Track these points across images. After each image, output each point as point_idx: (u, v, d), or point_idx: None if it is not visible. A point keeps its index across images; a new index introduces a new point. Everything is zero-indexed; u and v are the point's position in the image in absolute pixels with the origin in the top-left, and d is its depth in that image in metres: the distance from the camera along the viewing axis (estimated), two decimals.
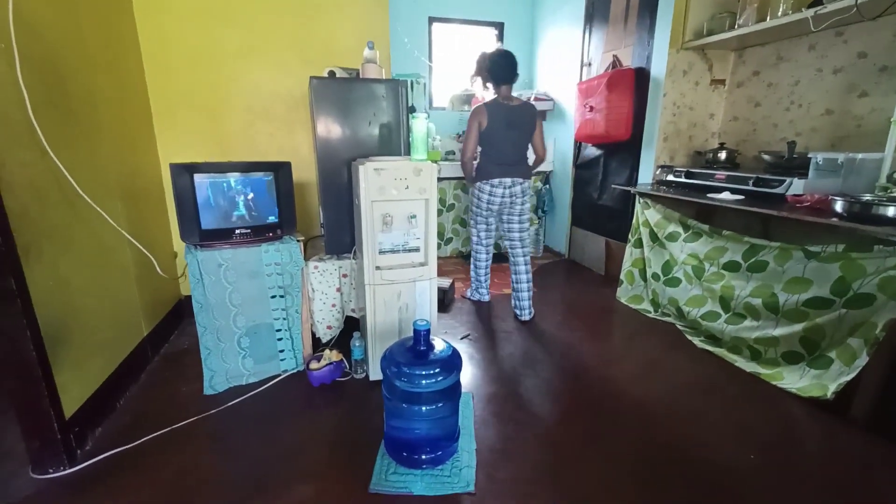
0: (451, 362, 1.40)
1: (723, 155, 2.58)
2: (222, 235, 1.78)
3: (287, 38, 2.46)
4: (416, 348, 1.42)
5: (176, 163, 1.65)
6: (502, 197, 2.50)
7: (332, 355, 1.93)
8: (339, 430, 1.64)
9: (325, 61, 2.27)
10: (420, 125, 1.72)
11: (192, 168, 1.69)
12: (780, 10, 2.06)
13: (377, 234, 1.80)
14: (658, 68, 2.73)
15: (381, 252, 1.83)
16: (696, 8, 2.56)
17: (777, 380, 1.96)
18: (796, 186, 1.97)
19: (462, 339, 2.41)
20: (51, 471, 1.39)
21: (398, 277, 1.84)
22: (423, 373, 1.34)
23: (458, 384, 1.45)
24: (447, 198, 3.87)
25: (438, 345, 1.47)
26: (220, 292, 1.79)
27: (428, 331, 1.43)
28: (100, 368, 1.67)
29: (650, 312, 2.76)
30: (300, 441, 1.57)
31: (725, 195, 2.18)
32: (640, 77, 2.87)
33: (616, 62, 3.11)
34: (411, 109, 4.02)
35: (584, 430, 1.66)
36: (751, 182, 2.18)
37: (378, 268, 1.82)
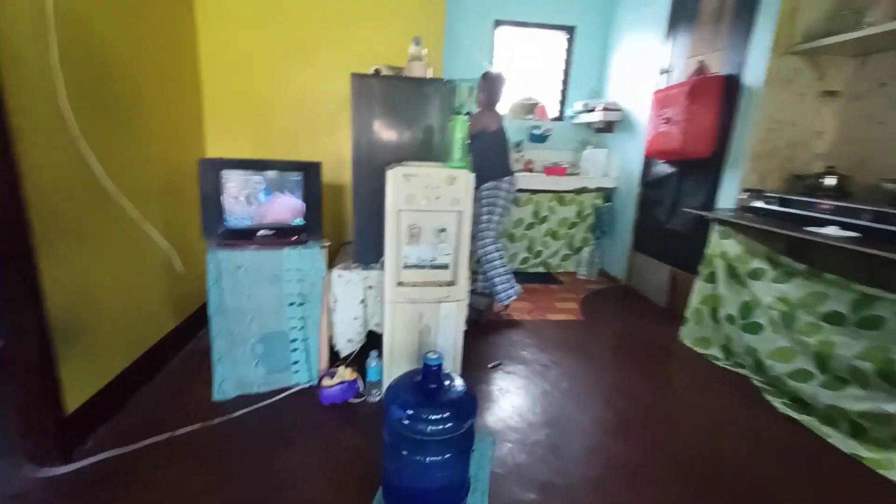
0: (463, 407, 1.19)
1: (831, 181, 2.12)
2: (244, 235, 1.70)
3: (335, 40, 2.40)
4: (424, 386, 1.21)
5: (206, 157, 1.58)
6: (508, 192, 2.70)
7: (345, 373, 1.78)
8: (342, 459, 1.48)
9: (373, 63, 2.16)
10: (459, 128, 1.53)
11: (220, 164, 1.62)
12: None
13: (402, 246, 1.63)
14: (754, 76, 2.32)
15: (405, 266, 1.66)
16: (809, 4, 2.14)
17: (884, 468, 1.55)
18: None
19: (492, 366, 2.16)
20: (46, 467, 1.35)
21: (421, 296, 1.65)
22: (429, 418, 1.13)
23: (470, 432, 1.23)
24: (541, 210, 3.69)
25: (452, 383, 1.25)
26: (237, 295, 1.71)
27: (440, 366, 1.22)
28: (113, 364, 1.64)
29: (719, 360, 2.34)
30: (297, 469, 1.43)
31: (832, 230, 1.76)
32: (730, 86, 2.47)
33: (702, 69, 2.72)
34: (467, 115, 3.87)
35: (629, 501, 1.36)
36: (869, 216, 1.74)
37: (401, 283, 1.65)
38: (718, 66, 2.58)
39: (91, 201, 1.49)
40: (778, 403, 1.95)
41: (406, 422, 1.15)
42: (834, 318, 1.84)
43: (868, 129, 2.16)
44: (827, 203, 1.95)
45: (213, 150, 2.41)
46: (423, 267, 1.68)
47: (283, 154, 2.45)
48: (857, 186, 2.14)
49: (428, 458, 1.16)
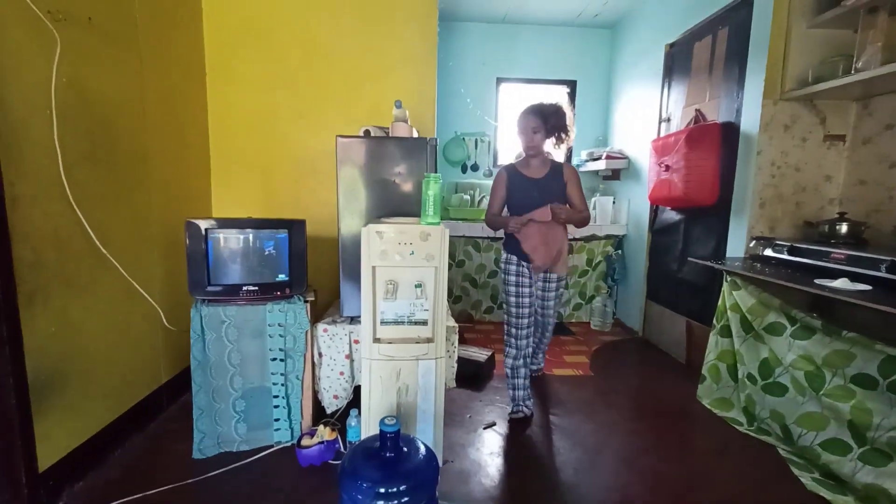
0: (421, 479, 1.11)
1: (843, 227, 1.99)
2: (230, 292, 1.75)
3: (337, 102, 2.56)
4: (381, 454, 1.15)
5: (190, 219, 1.68)
6: None
7: (325, 433, 1.73)
8: None
9: (371, 122, 2.28)
10: (432, 185, 1.55)
11: (205, 224, 1.71)
12: None
13: (379, 301, 1.62)
14: (749, 122, 2.28)
15: (383, 322, 1.64)
16: (799, 52, 2.12)
17: None
18: None
19: (485, 427, 2.05)
20: None
21: (399, 353, 1.61)
22: (379, 491, 1.06)
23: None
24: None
25: (414, 451, 1.18)
26: (220, 350, 1.73)
27: (397, 433, 1.16)
28: (97, 418, 1.66)
29: (742, 425, 2.12)
30: None
31: (842, 282, 1.62)
32: (729, 133, 2.43)
33: (699, 117, 2.71)
34: (474, 167, 3.97)
35: None
36: (884, 266, 1.60)
37: (377, 340, 1.62)
38: (715, 114, 2.56)
39: (84, 258, 1.59)
40: (807, 479, 1.73)
41: (359, 496, 1.08)
42: (864, 382, 1.65)
43: (880, 172, 2.05)
44: (839, 252, 1.81)
45: (219, 207, 2.55)
46: (401, 323, 1.65)
47: (286, 209, 2.56)
48: (873, 233, 2.00)
49: None
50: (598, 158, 3.66)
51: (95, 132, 1.66)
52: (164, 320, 1.92)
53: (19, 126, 1.34)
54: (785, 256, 2.06)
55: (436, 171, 1.84)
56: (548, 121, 2.01)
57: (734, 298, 2.18)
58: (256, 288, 1.77)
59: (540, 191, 2.06)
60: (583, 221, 2.14)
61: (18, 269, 1.32)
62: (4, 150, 1.28)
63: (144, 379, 1.95)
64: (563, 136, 2.08)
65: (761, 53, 2.18)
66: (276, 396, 1.80)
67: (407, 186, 1.93)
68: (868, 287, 1.58)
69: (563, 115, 2.05)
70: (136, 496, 1.51)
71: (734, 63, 2.41)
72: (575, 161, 4.03)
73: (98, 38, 1.67)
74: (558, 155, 2.36)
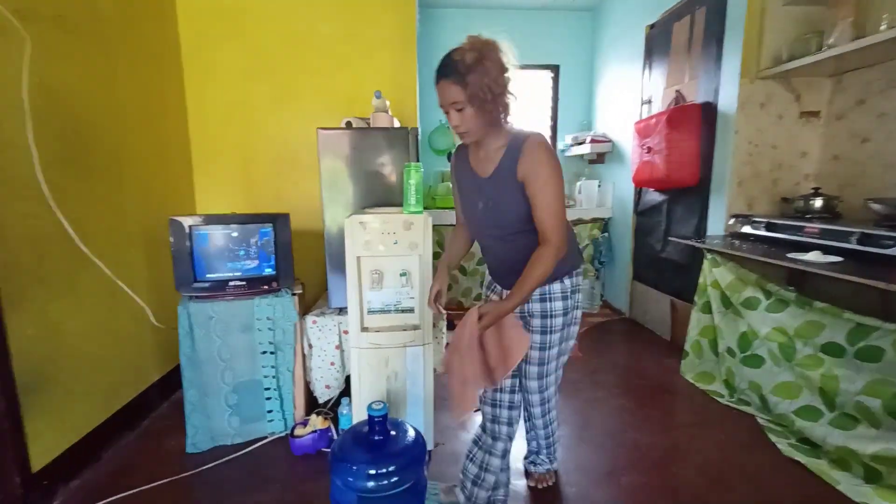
0: (410, 459, 1.15)
1: (817, 202, 2.04)
2: (216, 288, 1.75)
3: (315, 90, 2.54)
4: (369, 438, 1.18)
5: (173, 217, 1.67)
6: None
7: (317, 422, 1.76)
8: None
9: (350, 111, 2.27)
10: (413, 175, 1.56)
11: (189, 221, 1.70)
12: (884, 23, 1.60)
13: (365, 291, 1.64)
14: (727, 102, 2.31)
15: (370, 312, 1.66)
16: (774, 30, 2.14)
17: None
18: None
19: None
20: None
21: (386, 341, 1.64)
22: (370, 472, 1.10)
23: (417, 485, 1.18)
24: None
25: (402, 434, 1.22)
26: (209, 346, 1.74)
27: (384, 417, 1.19)
28: (89, 417, 1.68)
29: (723, 397, 2.20)
30: None
31: (814, 255, 1.67)
32: (709, 113, 2.46)
33: (679, 98, 2.73)
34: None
35: None
36: (854, 238, 1.65)
37: (365, 329, 1.65)
38: (694, 95, 2.58)
39: (64, 259, 1.58)
40: (784, 445, 1.80)
41: (350, 478, 1.12)
42: (833, 350, 1.72)
43: (853, 147, 2.09)
44: (813, 226, 1.86)
45: (203, 202, 2.54)
46: (388, 311, 1.68)
47: (269, 202, 2.55)
48: (847, 207, 2.05)
49: None
50: (583, 143, 3.67)
51: (69, 132, 1.63)
52: (152, 318, 1.92)
53: None
54: (762, 232, 2.11)
55: (418, 161, 1.85)
56: (468, 84, 1.07)
57: (714, 275, 2.24)
58: (243, 283, 1.78)
59: (484, 200, 1.22)
60: (539, 277, 1.10)
61: None
62: None
63: (134, 377, 1.96)
64: (498, 98, 1.10)
65: (738, 32, 2.20)
66: (267, 389, 1.83)
67: (391, 177, 1.94)
68: (839, 259, 1.63)
69: (489, 61, 1.07)
70: (132, 491, 1.53)
71: (712, 43, 2.42)
72: (559, 146, 4.04)
73: (68, 36, 1.64)
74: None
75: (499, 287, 1.37)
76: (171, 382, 2.17)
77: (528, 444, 1.66)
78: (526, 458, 1.67)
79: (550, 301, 1.27)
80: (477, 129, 1.14)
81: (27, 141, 1.41)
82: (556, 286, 1.27)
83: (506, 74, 1.11)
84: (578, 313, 1.38)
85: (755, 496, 1.54)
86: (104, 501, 1.48)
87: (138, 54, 2.07)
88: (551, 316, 1.28)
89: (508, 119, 1.17)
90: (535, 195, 1.13)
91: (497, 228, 1.24)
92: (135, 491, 1.53)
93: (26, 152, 1.41)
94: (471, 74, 1.06)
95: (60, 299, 1.56)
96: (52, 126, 1.55)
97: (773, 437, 1.85)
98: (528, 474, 1.64)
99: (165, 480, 1.59)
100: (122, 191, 1.92)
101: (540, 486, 1.59)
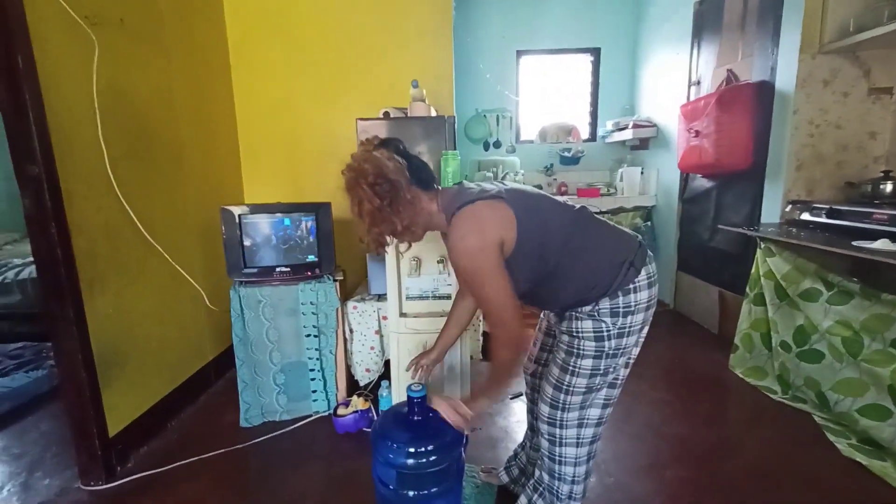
0: (447, 439, 1.18)
1: (888, 187, 1.88)
2: (264, 273, 1.85)
3: (354, 82, 2.59)
4: (409, 419, 1.22)
5: (225, 206, 1.78)
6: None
7: (359, 403, 1.84)
8: (348, 486, 1.53)
9: (388, 101, 2.30)
10: (451, 162, 1.58)
11: (238, 211, 1.81)
12: None
13: (404, 278, 1.69)
14: (785, 80, 2.15)
15: (408, 298, 1.71)
16: (839, 0, 1.97)
17: None
18: None
19: (512, 398, 2.10)
20: (92, 484, 1.53)
21: (424, 327, 1.68)
22: (409, 450, 1.14)
23: (456, 464, 1.21)
24: None
25: (438, 415, 1.25)
26: (258, 328, 1.85)
27: (423, 398, 1.23)
28: (155, 389, 1.83)
29: (776, 394, 2.09)
30: (305, 492, 1.51)
31: (882, 243, 1.55)
32: (764, 93, 2.30)
33: (731, 77, 2.58)
34: (496, 144, 3.93)
35: None
36: None
37: (404, 314, 1.69)
38: (748, 74, 2.43)
39: (133, 247, 1.73)
40: (843, 445, 1.70)
41: (390, 455, 1.16)
42: None
43: None
44: (882, 213, 1.72)
45: (250, 193, 2.67)
46: (425, 297, 1.71)
47: (312, 192, 2.64)
48: None
49: (412, 492, 1.16)
50: (625, 128, 3.54)
51: (133, 129, 1.77)
52: (207, 301, 2.06)
53: (68, 127, 1.46)
54: (823, 220, 1.97)
55: (454, 149, 1.86)
56: (354, 202, 1.02)
57: (768, 265, 2.12)
58: (288, 269, 1.87)
59: None
60: (503, 378, 1.12)
61: (78, 259, 1.46)
62: (57, 150, 1.40)
63: (193, 355, 2.12)
64: (392, 205, 1.00)
65: (798, 3, 2.04)
66: (311, 370, 1.92)
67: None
68: None
69: (364, 181, 0.99)
70: (193, 458, 1.67)
71: (768, 17, 2.26)
72: (600, 132, 3.91)
73: (129, 38, 1.76)
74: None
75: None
76: (224, 361, 2.32)
77: (518, 456, 1.47)
78: (510, 461, 1.48)
79: (580, 338, 1.08)
80: (390, 237, 1.06)
81: (99, 139, 1.54)
82: (588, 323, 1.06)
83: (392, 179, 0.99)
84: (634, 334, 1.12)
85: (811, 497, 1.46)
86: (170, 466, 1.63)
87: (191, 54, 2.19)
88: (578, 345, 1.08)
89: (427, 204, 1.07)
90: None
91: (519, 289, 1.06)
92: (196, 458, 1.67)
93: (98, 150, 1.55)
94: (351, 193, 1.02)
95: (131, 284, 1.71)
96: (119, 124, 1.68)
97: (831, 437, 1.75)
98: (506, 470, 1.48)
99: (222, 451, 1.72)
100: (180, 183, 2.06)
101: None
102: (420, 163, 1.08)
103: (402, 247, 1.16)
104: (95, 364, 1.52)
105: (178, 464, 1.64)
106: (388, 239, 1.06)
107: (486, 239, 0.97)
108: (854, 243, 1.63)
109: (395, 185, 0.99)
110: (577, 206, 1.13)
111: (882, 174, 1.93)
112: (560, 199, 1.14)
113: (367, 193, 0.98)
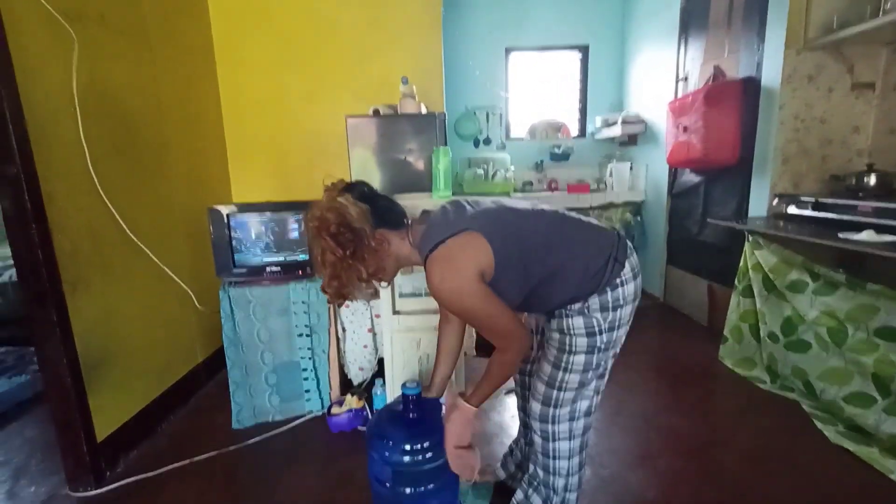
0: (442, 436, 1.17)
1: (871, 179, 1.92)
2: (254, 273, 1.83)
3: (344, 79, 2.57)
4: (404, 416, 1.22)
5: (213, 206, 1.75)
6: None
7: (353, 402, 1.82)
8: (343, 485, 1.51)
9: (377, 98, 2.29)
10: (441, 159, 1.57)
11: (227, 210, 1.78)
12: None
13: (397, 275, 1.67)
14: (771, 76, 2.18)
15: (401, 295, 1.70)
16: None
17: None
18: None
19: (506, 393, 2.11)
20: (81, 490, 1.50)
21: (418, 324, 1.67)
22: (404, 448, 1.13)
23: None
24: None
25: (434, 411, 1.25)
26: (249, 328, 1.82)
27: (418, 395, 1.22)
28: (144, 392, 1.80)
29: (765, 383, 2.12)
30: (299, 492, 1.49)
31: (867, 234, 1.58)
32: (750, 89, 2.34)
33: (718, 73, 2.60)
34: (486, 141, 3.93)
35: None
36: None
37: (397, 312, 1.68)
38: (734, 69, 2.46)
39: (117, 247, 1.69)
40: (831, 432, 1.73)
41: (386, 453, 1.16)
42: (889, 334, 1.63)
43: None
44: (866, 205, 1.76)
45: (238, 191, 2.64)
46: (418, 295, 1.70)
47: (301, 190, 2.61)
48: None
49: (408, 489, 1.16)
50: (614, 124, 3.56)
51: (116, 126, 1.73)
52: (196, 302, 2.03)
53: (48, 125, 1.42)
54: (809, 212, 2.00)
55: (445, 146, 1.85)
56: (316, 253, 1.02)
57: (756, 258, 2.15)
58: (279, 268, 1.84)
59: None
60: (500, 378, 1.10)
61: (60, 260, 1.43)
62: (36, 149, 1.36)
63: (182, 357, 2.08)
64: (356, 253, 0.98)
65: (782, 0, 2.07)
66: (304, 370, 1.90)
67: (418, 163, 1.96)
68: (894, 238, 1.54)
69: (326, 231, 0.97)
70: (184, 462, 1.64)
71: (754, 13, 2.29)
72: (589, 128, 3.94)
73: (110, 34, 1.72)
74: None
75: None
76: (215, 363, 2.29)
77: (513, 452, 1.48)
78: (506, 457, 1.49)
79: (572, 335, 1.08)
80: (361, 281, 1.02)
81: (80, 137, 1.50)
82: (579, 321, 1.06)
83: (356, 227, 0.98)
84: (624, 326, 1.11)
85: (802, 483, 1.49)
86: (161, 470, 1.60)
87: (176, 50, 2.15)
88: (570, 341, 1.08)
89: (398, 244, 1.06)
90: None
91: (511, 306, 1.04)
92: (187, 461, 1.64)
93: (79, 148, 1.51)
94: (313, 243, 1.01)
95: (115, 284, 1.67)
96: (101, 122, 1.64)
97: (819, 424, 1.78)
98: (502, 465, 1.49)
99: (214, 453, 1.69)
100: (165, 181, 2.02)
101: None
102: (387, 203, 1.09)
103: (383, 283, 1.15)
104: (81, 367, 1.48)
105: (170, 467, 1.61)
106: (352, 289, 1.03)
107: (464, 276, 0.96)
108: (840, 235, 1.66)
109: (358, 233, 0.98)
110: (549, 208, 1.12)
111: (866, 167, 1.97)
112: (529, 206, 1.12)
113: (328, 244, 0.96)
